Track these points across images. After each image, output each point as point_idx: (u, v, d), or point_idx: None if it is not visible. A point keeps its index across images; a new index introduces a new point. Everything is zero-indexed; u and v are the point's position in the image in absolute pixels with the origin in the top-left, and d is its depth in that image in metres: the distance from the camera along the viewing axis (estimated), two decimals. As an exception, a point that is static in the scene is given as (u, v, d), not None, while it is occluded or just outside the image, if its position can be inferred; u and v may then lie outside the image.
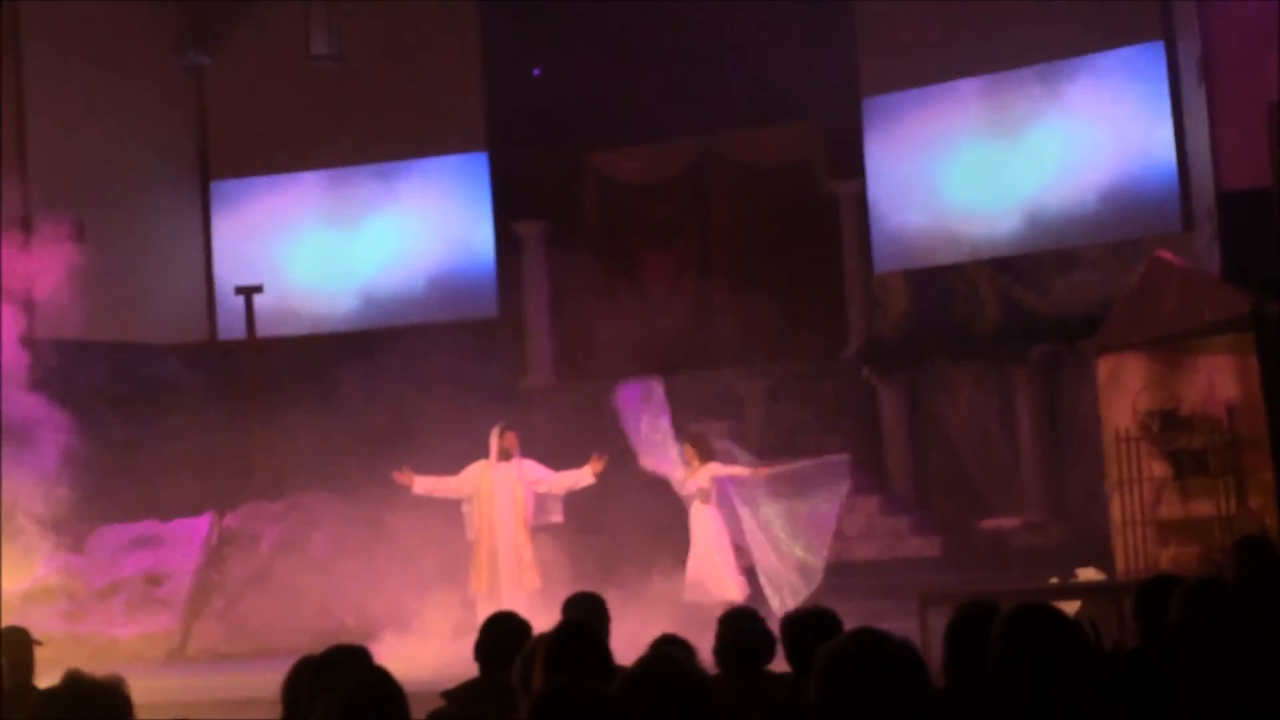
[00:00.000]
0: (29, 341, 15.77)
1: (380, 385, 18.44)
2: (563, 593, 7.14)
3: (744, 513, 12.96)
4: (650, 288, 19.66)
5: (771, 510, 12.99)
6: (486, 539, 13.06)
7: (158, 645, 15.66)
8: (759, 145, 19.28)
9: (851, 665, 3.04)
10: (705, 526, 12.96)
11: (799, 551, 12.86)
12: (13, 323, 15.45)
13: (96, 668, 3.89)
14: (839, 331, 18.58)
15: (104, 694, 3.64)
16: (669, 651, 4.97)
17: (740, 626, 5.74)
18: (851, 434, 17.97)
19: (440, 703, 5.53)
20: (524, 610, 6.22)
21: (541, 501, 13.39)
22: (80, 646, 14.02)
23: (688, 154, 19.52)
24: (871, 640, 3.09)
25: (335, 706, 3.59)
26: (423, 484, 13.23)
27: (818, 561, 12.79)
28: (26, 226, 16.60)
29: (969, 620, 4.35)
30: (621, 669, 5.17)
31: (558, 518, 13.49)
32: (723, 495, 13.05)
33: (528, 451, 13.62)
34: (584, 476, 13.25)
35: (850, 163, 18.36)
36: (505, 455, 13.20)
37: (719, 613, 5.91)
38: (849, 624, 5.21)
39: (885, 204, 18.08)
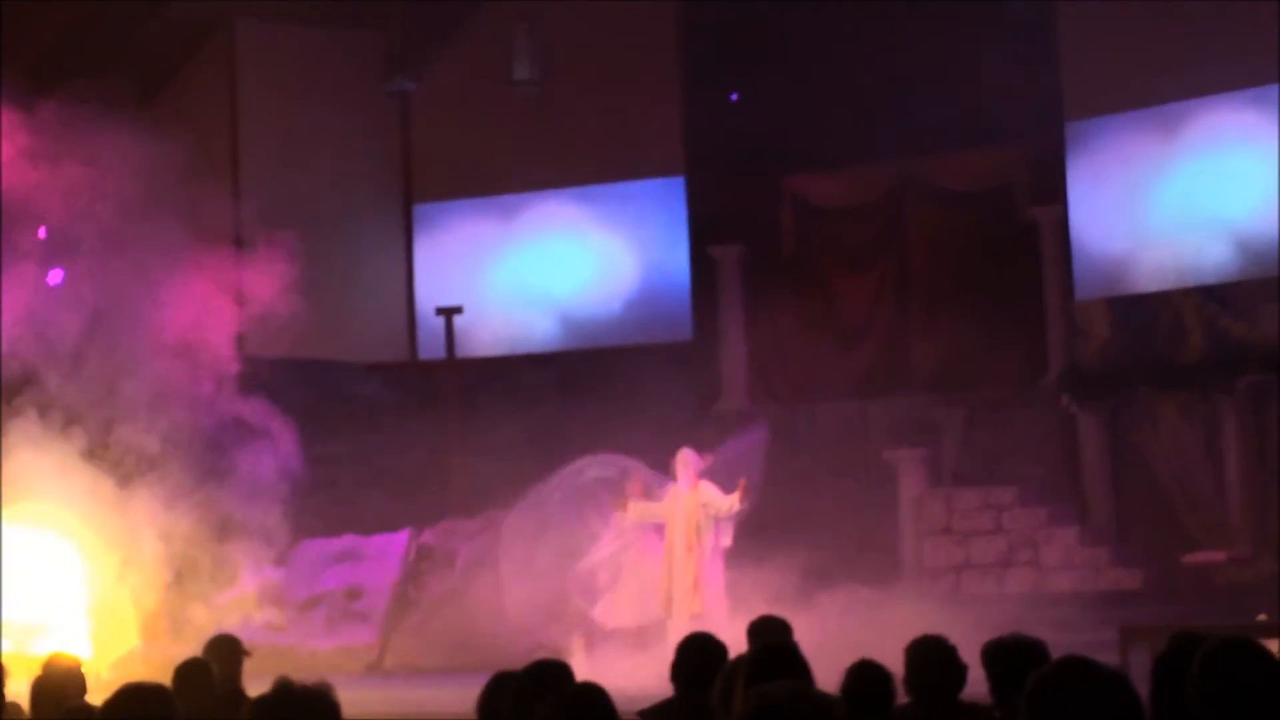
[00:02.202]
0: (240, 357, 16.24)
1: (576, 406, 18.62)
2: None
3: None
4: (846, 313, 19.54)
5: None
6: (667, 561, 13.32)
7: (356, 658, 15.96)
8: (959, 170, 19.06)
9: (1064, 693, 2.98)
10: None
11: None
12: (226, 338, 15.92)
13: (298, 679, 3.96)
14: (1039, 359, 18.27)
15: (315, 700, 3.71)
16: (872, 675, 4.95)
17: (931, 654, 5.67)
18: (1050, 463, 17.70)
19: (637, 721, 5.54)
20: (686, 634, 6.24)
21: (718, 524, 13.50)
22: (281, 658, 14.31)
23: (886, 179, 19.37)
24: (1084, 669, 3.03)
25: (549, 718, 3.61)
26: (635, 510, 13.65)
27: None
28: (238, 246, 17.10)
29: (1180, 653, 4.23)
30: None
31: (727, 541, 13.56)
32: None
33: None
34: (734, 502, 13.34)
35: (1052, 188, 18.07)
36: (677, 479, 13.35)
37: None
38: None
39: (1088, 230, 17.76)
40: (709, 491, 13.40)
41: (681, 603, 13.06)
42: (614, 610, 13.71)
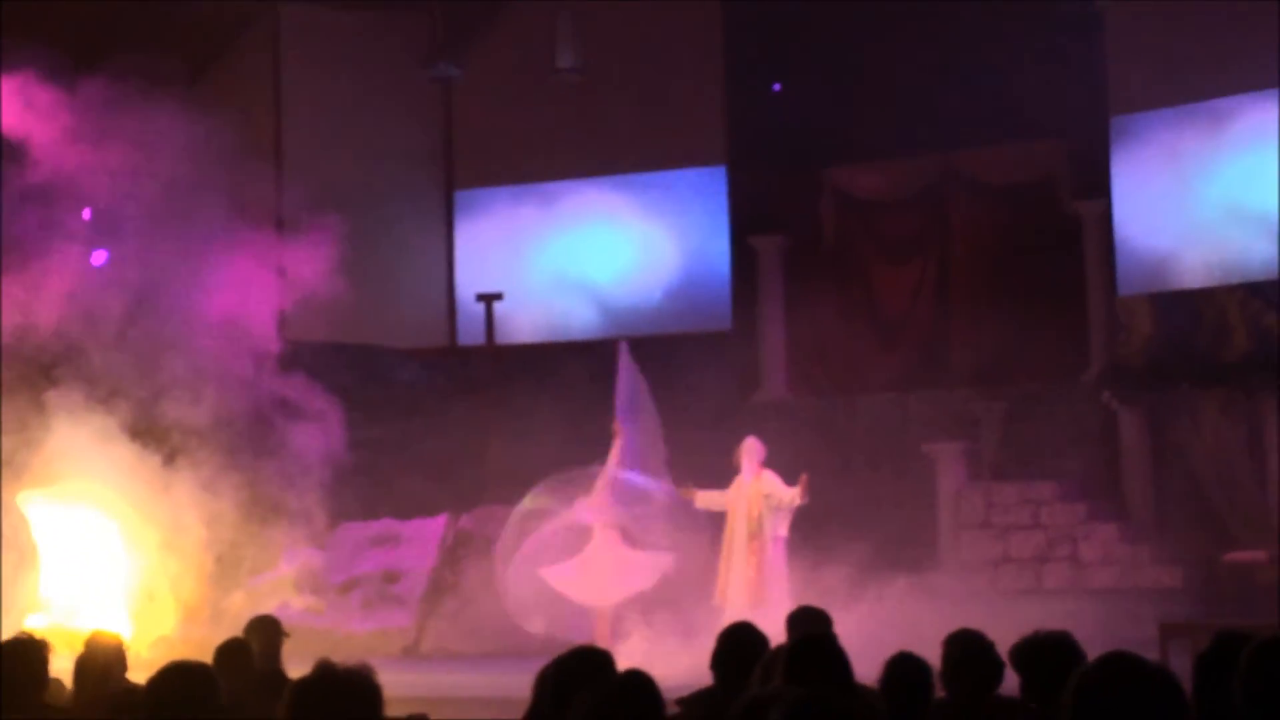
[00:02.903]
0: (282, 340, 16.31)
1: (614, 394, 18.61)
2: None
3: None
4: (886, 305, 19.48)
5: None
6: (726, 550, 13.46)
7: (392, 641, 16.02)
8: (1001, 163, 18.97)
9: (1109, 689, 2.96)
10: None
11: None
12: (269, 320, 16.00)
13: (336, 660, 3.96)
14: (1080, 354, 18.17)
15: (357, 681, 3.72)
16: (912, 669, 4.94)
17: (968, 648, 5.65)
18: (1090, 459, 17.62)
19: (675, 709, 5.54)
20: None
21: (776, 514, 13.57)
22: (319, 640, 14.40)
23: (928, 171, 19.30)
24: (1130, 665, 3.01)
25: (594, 705, 3.61)
26: (702, 498, 13.80)
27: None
28: (280, 229, 17.17)
29: (1224, 651, 4.20)
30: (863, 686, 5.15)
31: (782, 531, 13.63)
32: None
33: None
34: (796, 496, 13.44)
35: (1096, 182, 17.96)
36: (736, 468, 13.41)
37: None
38: (1085, 652, 5.08)
39: (1131, 225, 17.66)
40: (771, 482, 13.53)
41: (741, 592, 13.18)
42: (565, 577, 13.81)
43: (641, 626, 13.52)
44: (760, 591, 13.16)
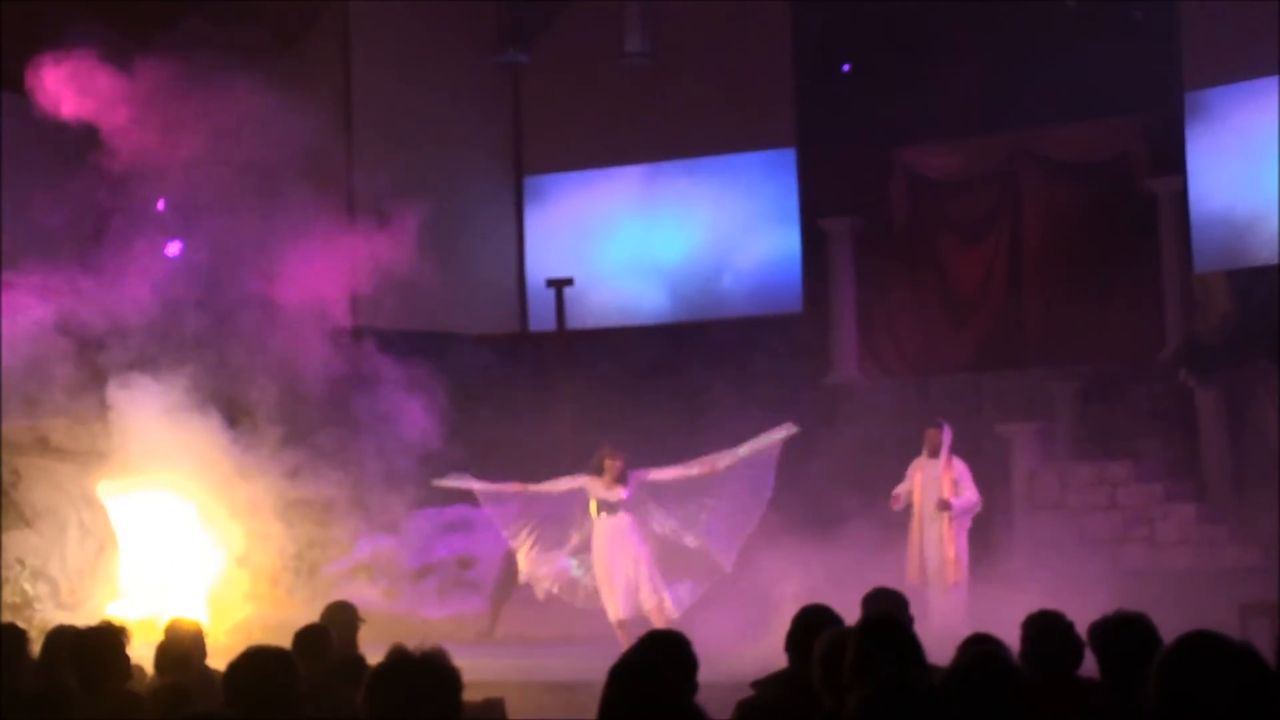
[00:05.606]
0: (354, 327, 16.41)
1: (686, 378, 18.64)
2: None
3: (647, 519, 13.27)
4: (959, 285, 19.37)
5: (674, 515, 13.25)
6: (916, 532, 13.82)
7: (467, 627, 16.10)
8: (1074, 141, 18.81)
9: (1194, 667, 2.94)
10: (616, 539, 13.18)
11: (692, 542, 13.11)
12: (341, 308, 16.10)
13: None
14: (1155, 332, 18.00)
15: (435, 666, 3.75)
16: (990, 650, 4.91)
17: (1048, 629, 5.62)
18: (1167, 438, 17.46)
19: (750, 692, 5.54)
20: (945, 603, 6.41)
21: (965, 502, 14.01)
22: (394, 626, 14.47)
23: (1000, 150, 19.16)
24: (1214, 643, 2.99)
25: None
26: (898, 498, 14.00)
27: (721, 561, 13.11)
28: (350, 216, 17.25)
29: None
30: (937, 666, 5.13)
31: (966, 523, 14.07)
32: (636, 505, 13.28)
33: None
34: (979, 504, 13.95)
35: (1171, 159, 17.76)
36: (933, 452, 13.94)
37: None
38: (1163, 633, 5.04)
39: (1208, 202, 17.45)
40: (963, 471, 13.94)
41: (939, 571, 13.45)
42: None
43: (708, 616, 13.50)
44: (957, 572, 13.46)
